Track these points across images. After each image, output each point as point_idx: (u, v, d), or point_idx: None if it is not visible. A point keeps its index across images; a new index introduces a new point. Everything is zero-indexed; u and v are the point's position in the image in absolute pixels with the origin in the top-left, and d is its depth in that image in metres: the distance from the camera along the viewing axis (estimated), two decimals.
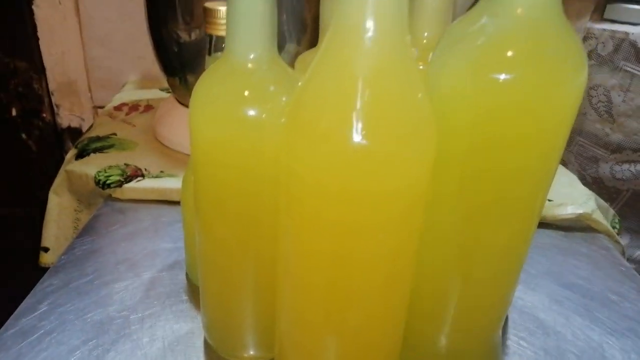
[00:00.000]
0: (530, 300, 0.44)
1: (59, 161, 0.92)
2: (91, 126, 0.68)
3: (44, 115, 0.87)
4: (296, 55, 0.60)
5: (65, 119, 0.89)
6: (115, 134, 0.64)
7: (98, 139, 0.63)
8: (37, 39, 0.82)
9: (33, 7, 0.80)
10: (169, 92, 0.81)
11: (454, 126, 0.26)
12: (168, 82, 0.65)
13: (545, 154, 0.27)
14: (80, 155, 0.59)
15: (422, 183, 0.24)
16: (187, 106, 0.63)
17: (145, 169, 0.56)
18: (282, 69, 0.28)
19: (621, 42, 0.76)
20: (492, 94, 0.25)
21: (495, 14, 0.24)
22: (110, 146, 0.61)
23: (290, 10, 0.56)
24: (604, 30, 0.78)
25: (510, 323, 0.41)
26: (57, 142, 0.90)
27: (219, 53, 0.35)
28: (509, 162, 0.26)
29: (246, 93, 0.28)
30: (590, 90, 0.82)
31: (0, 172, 0.92)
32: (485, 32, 0.24)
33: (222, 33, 0.34)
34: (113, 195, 0.54)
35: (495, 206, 0.28)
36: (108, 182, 0.53)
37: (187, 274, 0.43)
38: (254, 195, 0.29)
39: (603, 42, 0.78)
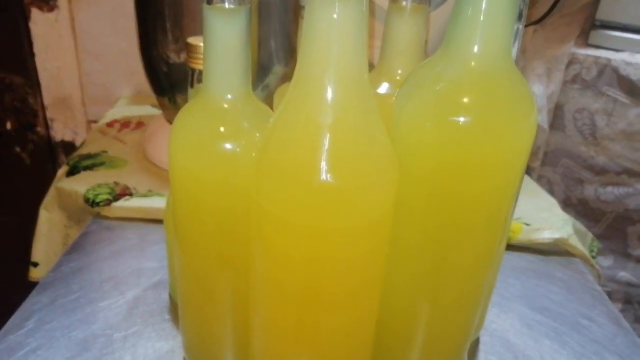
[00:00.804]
0: (502, 324, 0.45)
1: (52, 174, 0.93)
2: (83, 142, 0.70)
3: (38, 129, 0.89)
4: (284, 76, 0.62)
5: (59, 132, 0.90)
6: (106, 152, 0.65)
7: (89, 156, 0.64)
8: (33, 54, 0.83)
9: (30, 23, 0.81)
10: (159, 109, 0.82)
11: (416, 163, 0.28)
12: (158, 101, 0.67)
13: (501, 187, 0.28)
14: (71, 173, 0.60)
15: (385, 218, 0.26)
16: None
17: (134, 188, 0.57)
18: (256, 107, 0.30)
19: (604, 68, 0.78)
20: (449, 135, 0.27)
21: (451, 64, 0.25)
22: (101, 164, 0.62)
23: (279, 32, 0.57)
24: (588, 55, 0.80)
25: (480, 346, 0.42)
26: (50, 156, 0.92)
27: (200, 84, 0.37)
28: (468, 194, 0.28)
29: (221, 129, 0.29)
30: (575, 114, 0.84)
31: None
32: (443, 79, 0.26)
33: (202, 67, 0.36)
34: (102, 213, 0.55)
35: (458, 233, 0.29)
36: (97, 200, 0.55)
37: (170, 294, 0.44)
38: (227, 221, 0.30)
39: (587, 67, 0.80)
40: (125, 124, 0.75)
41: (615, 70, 0.78)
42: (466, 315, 0.34)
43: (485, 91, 0.25)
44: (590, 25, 0.82)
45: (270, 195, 0.25)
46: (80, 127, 0.90)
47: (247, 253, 0.29)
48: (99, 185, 0.57)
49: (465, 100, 0.26)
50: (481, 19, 0.24)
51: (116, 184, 0.58)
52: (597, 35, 0.81)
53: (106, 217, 0.55)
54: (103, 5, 0.81)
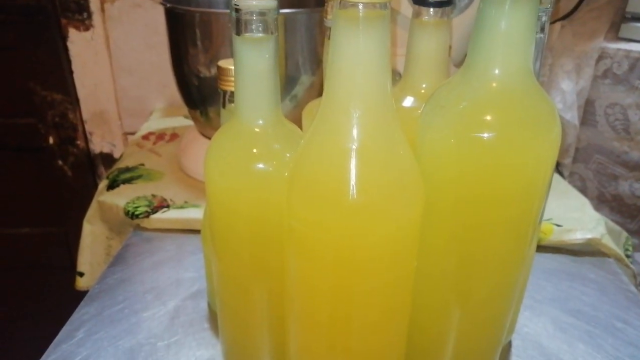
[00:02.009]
0: (535, 327, 0.45)
1: (92, 185, 0.98)
2: (121, 156, 0.73)
3: (78, 142, 0.93)
4: (311, 86, 0.63)
5: (98, 145, 0.94)
6: (143, 164, 0.68)
7: (127, 169, 0.67)
8: (72, 72, 0.87)
9: (68, 43, 0.85)
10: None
11: (442, 177, 0.29)
12: (190, 114, 0.69)
13: (526, 197, 0.29)
14: (111, 187, 0.63)
15: (412, 232, 0.27)
16: (208, 138, 0.67)
17: (171, 200, 0.60)
18: (286, 129, 0.31)
19: (636, 62, 0.77)
20: (473, 150, 0.27)
21: (473, 83, 0.26)
22: (139, 177, 0.65)
23: (305, 44, 0.59)
24: (619, 49, 0.78)
25: (513, 350, 0.43)
26: (90, 167, 0.96)
27: (232, 104, 0.38)
28: (493, 205, 0.29)
29: (254, 151, 0.31)
30: (606, 109, 0.82)
31: (39, 195, 0.98)
32: (466, 98, 0.27)
33: (233, 89, 0.37)
34: (141, 225, 0.58)
35: (484, 240, 0.30)
36: (136, 212, 0.57)
37: (208, 303, 0.46)
38: (261, 233, 0.32)
39: (618, 62, 0.79)
40: (160, 136, 0.78)
41: None
42: (497, 319, 0.34)
43: (507, 108, 0.26)
44: (621, 19, 0.80)
45: (301, 215, 0.26)
46: (117, 139, 0.94)
47: (281, 261, 0.30)
48: (138, 198, 0.60)
49: (488, 117, 0.26)
50: (501, 39, 0.25)
51: (154, 196, 0.60)
52: (628, 29, 0.80)
53: (145, 229, 0.58)
54: (135, 22, 0.85)
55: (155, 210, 0.57)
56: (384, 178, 0.25)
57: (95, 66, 0.87)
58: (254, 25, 0.28)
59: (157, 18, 0.84)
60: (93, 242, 0.63)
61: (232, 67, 0.37)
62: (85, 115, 0.91)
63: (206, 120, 0.65)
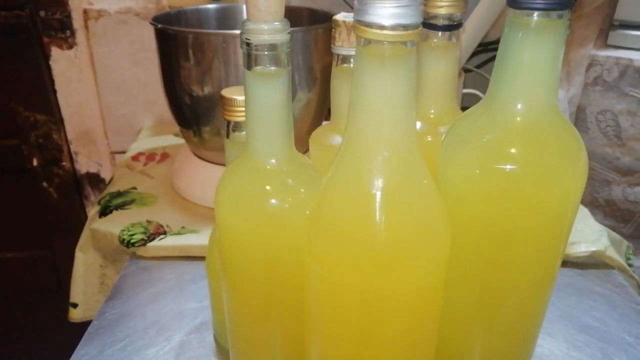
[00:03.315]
0: (549, 347, 0.45)
1: (79, 205, 0.95)
2: (111, 179, 0.70)
3: (64, 163, 0.90)
4: (307, 103, 0.62)
5: (84, 165, 0.92)
6: (135, 188, 0.66)
7: (119, 194, 0.65)
8: (55, 92, 0.85)
9: (50, 62, 0.83)
10: (182, 138, 0.83)
11: (466, 209, 0.28)
12: (182, 133, 0.67)
13: (552, 227, 0.28)
14: (103, 213, 0.61)
15: (439, 275, 0.26)
16: (202, 158, 0.65)
17: (167, 225, 0.58)
18: (300, 164, 0.30)
19: (626, 69, 0.77)
20: (497, 182, 0.27)
21: (496, 117, 0.25)
22: (132, 201, 0.63)
23: (301, 63, 0.57)
24: (609, 57, 0.79)
25: None
26: (76, 188, 0.93)
27: (237, 133, 0.37)
28: (519, 236, 0.28)
29: (267, 188, 0.29)
30: (598, 115, 0.83)
31: (23, 218, 0.95)
32: (489, 131, 0.26)
33: (238, 119, 0.36)
34: (137, 253, 0.56)
35: (510, 271, 0.29)
36: (132, 241, 0.55)
37: (214, 336, 0.45)
38: (276, 273, 0.31)
39: (608, 69, 0.79)
40: (150, 156, 0.75)
41: (638, 70, 0.76)
42: (521, 345, 0.34)
43: (532, 141, 0.25)
44: (609, 26, 0.81)
45: (324, 260, 0.25)
46: (104, 158, 0.92)
47: (296, 298, 0.29)
48: (133, 225, 0.58)
49: (514, 150, 0.25)
50: (526, 72, 0.24)
51: (149, 222, 0.58)
52: (616, 36, 0.80)
53: (142, 257, 0.56)
54: (120, 39, 0.82)
55: (151, 237, 0.56)
56: (412, 222, 0.24)
57: (79, 85, 0.85)
58: (266, 59, 0.27)
59: (143, 34, 0.82)
60: (86, 271, 0.61)
61: (236, 97, 0.36)
62: (70, 135, 0.89)
63: (199, 141, 0.63)
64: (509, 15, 0.24)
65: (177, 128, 0.86)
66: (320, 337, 0.29)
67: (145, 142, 0.81)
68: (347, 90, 0.24)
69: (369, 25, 0.21)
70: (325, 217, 0.25)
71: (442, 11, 0.34)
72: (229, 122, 0.37)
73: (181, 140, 0.81)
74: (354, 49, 0.32)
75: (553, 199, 0.26)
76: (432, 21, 0.34)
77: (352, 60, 0.35)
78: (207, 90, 0.58)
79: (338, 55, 0.35)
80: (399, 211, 0.24)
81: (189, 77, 0.58)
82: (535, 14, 0.23)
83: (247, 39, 0.27)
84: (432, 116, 0.37)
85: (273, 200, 0.29)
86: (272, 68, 0.27)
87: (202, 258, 0.54)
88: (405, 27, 0.21)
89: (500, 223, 0.27)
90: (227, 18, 0.70)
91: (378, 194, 0.23)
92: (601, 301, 0.51)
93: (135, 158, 0.75)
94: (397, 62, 0.22)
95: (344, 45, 0.33)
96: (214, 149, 0.63)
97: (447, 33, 0.35)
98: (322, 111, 0.64)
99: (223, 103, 0.36)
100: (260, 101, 0.28)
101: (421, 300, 0.26)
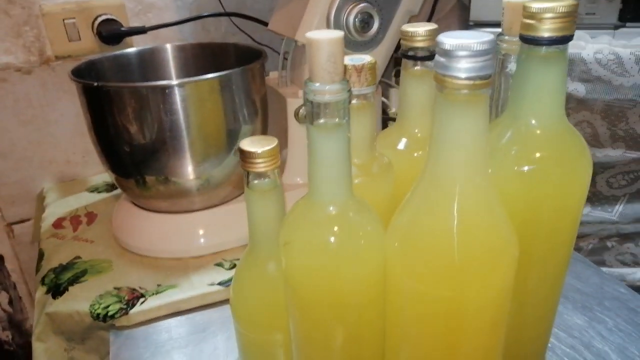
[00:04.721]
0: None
1: None
2: (42, 255, 0.63)
3: None
4: (252, 134, 0.63)
5: None
6: (79, 257, 0.61)
7: (64, 268, 0.59)
8: None
9: None
10: (99, 192, 0.78)
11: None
12: (119, 184, 0.63)
13: (562, 220, 0.35)
14: (56, 293, 0.55)
15: (509, 283, 0.31)
16: (146, 209, 0.63)
17: (140, 287, 0.55)
18: (360, 206, 0.33)
19: None
20: (517, 182, 0.33)
21: (517, 128, 0.32)
22: (84, 272, 0.58)
23: (243, 98, 0.58)
24: None
25: None
26: None
27: (257, 182, 0.38)
28: (536, 228, 0.35)
29: (335, 229, 0.32)
30: None
31: None
32: (513, 140, 0.32)
33: (259, 170, 0.37)
34: (117, 325, 0.52)
35: (540, 253, 0.36)
36: (109, 313, 0.52)
37: None
38: (340, 301, 0.33)
39: None
40: (74, 219, 0.69)
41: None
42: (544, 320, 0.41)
43: (551, 147, 0.32)
44: (467, 26, 0.95)
45: (415, 274, 0.29)
46: (0, 232, 0.81)
47: (358, 326, 0.34)
48: (101, 297, 0.54)
49: (537, 154, 0.32)
50: (540, 91, 0.31)
51: (118, 289, 0.55)
52: None
53: (122, 327, 0.52)
54: (3, 99, 0.74)
55: (131, 304, 0.52)
56: (488, 241, 0.29)
57: None
58: (328, 114, 0.29)
59: (29, 91, 0.75)
60: None
61: (256, 150, 0.37)
62: None
63: (143, 189, 0.60)
64: (523, 48, 0.31)
65: (85, 184, 0.81)
66: (406, 346, 0.33)
67: (58, 207, 0.74)
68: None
69: (451, 77, 0.25)
70: (416, 239, 0.29)
71: (420, 44, 0.39)
72: (248, 173, 0.38)
73: (101, 196, 0.76)
74: (366, 88, 0.36)
75: (570, 193, 0.33)
76: (412, 52, 0.40)
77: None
78: (148, 137, 0.56)
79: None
80: (477, 232, 0.29)
81: (128, 128, 0.56)
82: (544, 48, 0.30)
83: (311, 98, 0.29)
84: (418, 135, 0.42)
85: (339, 240, 0.32)
86: (334, 121, 0.30)
87: (187, 311, 0.53)
88: (481, 77, 0.25)
89: (530, 216, 0.34)
90: (148, 61, 0.67)
91: (461, 218, 0.28)
92: None
93: (57, 225, 0.68)
94: (473, 105, 0.26)
95: (355, 86, 0.37)
96: (160, 197, 0.60)
97: (426, 62, 0.40)
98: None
99: (243, 156, 0.37)
100: (322, 151, 0.30)
101: (495, 305, 0.31)
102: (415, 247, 0.29)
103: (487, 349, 0.33)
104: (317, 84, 0.28)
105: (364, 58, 0.37)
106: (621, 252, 0.91)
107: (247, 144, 0.38)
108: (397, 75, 0.91)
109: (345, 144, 0.30)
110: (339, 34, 0.28)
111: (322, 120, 0.29)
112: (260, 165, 0.38)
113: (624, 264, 0.92)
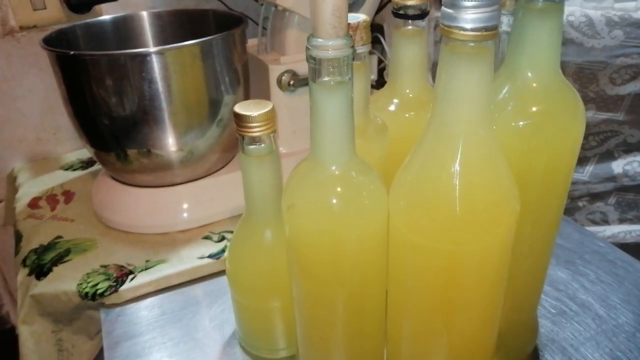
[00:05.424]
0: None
1: None
2: (20, 237, 0.61)
3: None
4: (234, 104, 0.62)
5: None
6: (61, 237, 0.59)
7: (46, 248, 0.57)
8: None
9: None
10: (74, 170, 0.75)
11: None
12: (98, 159, 0.61)
13: (557, 173, 0.36)
14: (40, 274, 0.54)
15: (510, 236, 0.31)
16: (128, 183, 0.61)
17: (128, 264, 0.54)
18: (362, 167, 0.32)
19: None
20: (513, 137, 0.33)
21: (513, 81, 0.32)
22: (67, 252, 0.56)
23: (224, 66, 0.57)
24: None
25: None
26: None
27: (252, 147, 0.38)
28: (536, 177, 0.35)
29: (338, 189, 0.32)
30: None
31: None
32: (514, 95, 0.32)
33: (254, 134, 0.37)
34: (106, 303, 0.51)
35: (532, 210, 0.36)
36: (98, 291, 0.50)
37: (242, 346, 0.45)
38: (343, 261, 0.33)
39: None
40: (51, 198, 0.67)
41: None
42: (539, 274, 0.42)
43: (547, 100, 0.32)
44: None
45: (419, 229, 0.29)
46: None
47: (359, 289, 0.34)
48: (88, 276, 0.52)
49: (534, 108, 0.32)
50: (536, 45, 0.31)
51: (105, 267, 0.53)
52: None
53: (113, 305, 0.51)
54: None
55: (120, 281, 0.51)
56: (490, 198, 0.29)
57: None
58: (330, 72, 0.29)
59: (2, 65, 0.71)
60: (37, 343, 0.53)
61: (251, 114, 0.36)
62: None
63: (124, 163, 0.58)
64: (521, 2, 0.30)
65: (58, 162, 0.78)
66: (410, 302, 0.33)
67: (32, 186, 0.71)
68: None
69: (458, 28, 0.25)
70: (418, 193, 0.29)
71: (411, 2, 0.39)
72: (242, 137, 0.37)
73: (77, 173, 0.74)
74: (361, 47, 0.36)
75: (567, 144, 0.34)
76: (403, 11, 0.39)
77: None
78: (128, 108, 0.54)
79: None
80: (481, 186, 0.29)
81: (106, 100, 0.53)
82: (540, 1, 0.30)
83: (312, 56, 0.28)
84: (410, 95, 0.42)
85: (344, 200, 0.32)
86: (337, 78, 0.29)
87: (177, 286, 0.53)
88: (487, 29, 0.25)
89: (530, 166, 0.34)
90: (123, 29, 0.64)
91: (465, 170, 0.28)
92: None
93: (34, 205, 0.66)
94: (479, 58, 0.26)
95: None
96: (142, 170, 0.59)
97: (417, 21, 0.40)
98: None
99: (237, 120, 0.36)
100: (325, 110, 0.30)
101: (496, 260, 0.31)
102: (419, 200, 0.29)
103: (487, 304, 0.33)
104: (321, 39, 0.28)
105: (359, 17, 0.36)
106: (592, 211, 0.95)
107: (242, 108, 0.37)
108: (376, 41, 0.90)
109: (348, 102, 0.30)
110: None
111: (325, 78, 0.29)
112: (256, 130, 0.37)
113: (594, 222, 0.95)
